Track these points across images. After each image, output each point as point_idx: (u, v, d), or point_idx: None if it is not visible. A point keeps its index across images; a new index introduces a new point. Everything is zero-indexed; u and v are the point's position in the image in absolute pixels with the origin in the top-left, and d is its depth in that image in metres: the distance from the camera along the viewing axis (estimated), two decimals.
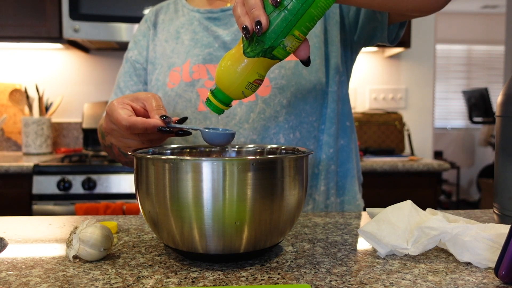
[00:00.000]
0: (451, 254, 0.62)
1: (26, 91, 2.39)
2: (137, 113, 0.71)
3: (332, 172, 0.96)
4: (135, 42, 1.08)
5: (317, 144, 0.95)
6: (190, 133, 0.70)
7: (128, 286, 0.51)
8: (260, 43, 0.59)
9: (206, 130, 0.67)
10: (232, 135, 0.68)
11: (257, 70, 0.61)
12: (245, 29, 0.57)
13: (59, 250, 0.64)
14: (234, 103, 0.68)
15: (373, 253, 0.63)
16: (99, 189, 1.89)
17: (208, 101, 0.65)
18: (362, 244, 0.67)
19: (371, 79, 2.76)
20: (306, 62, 0.63)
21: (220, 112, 0.66)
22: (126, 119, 0.68)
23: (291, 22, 0.57)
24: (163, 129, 0.68)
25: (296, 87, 0.91)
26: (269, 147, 0.73)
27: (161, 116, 0.68)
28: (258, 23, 0.56)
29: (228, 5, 0.99)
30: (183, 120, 0.72)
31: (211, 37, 0.97)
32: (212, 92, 0.65)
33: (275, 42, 0.58)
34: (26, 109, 2.42)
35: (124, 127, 0.68)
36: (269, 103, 0.91)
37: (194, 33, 0.99)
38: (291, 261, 0.59)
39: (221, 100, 0.64)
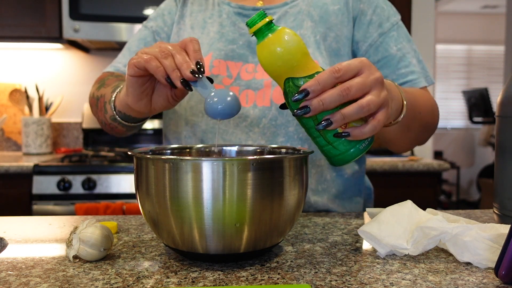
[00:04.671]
0: (451, 254, 0.62)
1: (26, 91, 2.39)
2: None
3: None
4: (159, 15, 1.04)
5: (328, 164, 0.94)
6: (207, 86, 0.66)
7: (128, 286, 0.51)
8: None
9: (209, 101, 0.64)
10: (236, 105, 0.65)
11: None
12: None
13: (59, 250, 0.64)
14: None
15: (373, 253, 0.63)
16: (99, 189, 1.89)
17: None
18: (362, 244, 0.67)
19: None
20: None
21: None
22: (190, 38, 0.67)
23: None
24: (194, 73, 0.63)
25: None
26: (269, 147, 0.73)
27: (197, 62, 0.64)
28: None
29: (260, 4, 0.98)
30: (211, 80, 0.67)
31: (237, 33, 0.96)
32: None
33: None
34: (26, 109, 2.42)
35: (187, 40, 0.67)
36: (282, 111, 0.89)
37: (221, 26, 0.97)
38: (291, 261, 0.59)
39: None
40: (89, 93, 0.99)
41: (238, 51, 0.94)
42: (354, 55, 0.96)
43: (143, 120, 0.86)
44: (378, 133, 0.88)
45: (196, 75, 0.63)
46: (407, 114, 0.74)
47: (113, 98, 0.82)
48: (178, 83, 0.64)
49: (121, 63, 1.01)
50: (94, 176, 1.89)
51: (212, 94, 0.64)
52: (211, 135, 0.93)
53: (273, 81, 0.90)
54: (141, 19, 2.16)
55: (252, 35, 0.59)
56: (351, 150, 0.60)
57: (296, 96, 0.56)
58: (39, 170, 1.89)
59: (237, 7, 0.98)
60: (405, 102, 0.72)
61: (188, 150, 0.75)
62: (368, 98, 0.58)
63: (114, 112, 0.82)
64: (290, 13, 0.95)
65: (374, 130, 0.59)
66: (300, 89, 0.56)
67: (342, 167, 0.95)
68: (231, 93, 0.65)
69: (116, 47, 2.47)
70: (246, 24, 0.59)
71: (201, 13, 1.01)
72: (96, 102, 0.91)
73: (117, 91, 0.82)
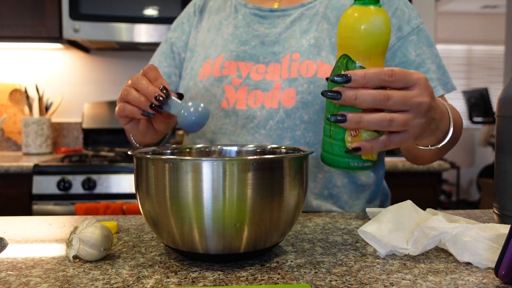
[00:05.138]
0: (451, 254, 0.62)
1: (26, 91, 2.39)
2: None
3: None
4: (178, 24, 1.07)
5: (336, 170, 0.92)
6: (171, 114, 0.70)
7: (128, 286, 0.51)
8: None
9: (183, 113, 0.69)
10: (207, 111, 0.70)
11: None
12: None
13: (59, 250, 0.64)
14: None
15: (373, 253, 0.63)
16: (99, 189, 1.89)
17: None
18: (362, 244, 0.67)
19: None
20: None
21: None
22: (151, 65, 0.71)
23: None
24: (159, 98, 0.67)
25: (321, 106, 0.88)
26: (269, 147, 0.73)
27: (161, 88, 0.68)
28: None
29: (276, 5, 0.98)
30: (181, 96, 0.72)
31: (251, 34, 0.96)
32: None
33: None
34: (26, 109, 2.42)
35: (147, 68, 0.70)
36: (290, 114, 0.88)
37: (235, 28, 0.98)
38: (291, 261, 0.59)
39: None
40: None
41: (249, 51, 0.94)
42: None
43: (164, 137, 0.90)
44: (411, 150, 0.88)
45: (162, 98, 0.67)
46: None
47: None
48: (150, 111, 0.69)
49: None
50: (94, 176, 1.89)
51: (182, 111, 0.69)
52: (220, 135, 0.93)
53: (283, 83, 0.89)
54: (141, 19, 2.16)
55: None
56: (343, 159, 0.58)
57: (337, 77, 0.52)
58: (39, 170, 1.89)
59: (254, 8, 0.98)
60: (451, 129, 0.68)
61: (188, 150, 0.75)
62: (397, 116, 0.55)
63: (135, 143, 0.83)
64: (306, 15, 0.95)
65: (382, 148, 0.57)
66: (345, 72, 0.52)
67: (358, 174, 0.92)
68: (201, 104, 0.70)
69: (116, 47, 2.47)
70: None
71: (218, 15, 1.02)
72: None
73: None
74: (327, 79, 0.58)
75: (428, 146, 0.69)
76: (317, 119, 0.88)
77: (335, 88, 0.53)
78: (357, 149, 0.55)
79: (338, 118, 0.54)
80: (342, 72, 0.52)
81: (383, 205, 1.04)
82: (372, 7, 0.53)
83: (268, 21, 0.96)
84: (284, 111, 0.88)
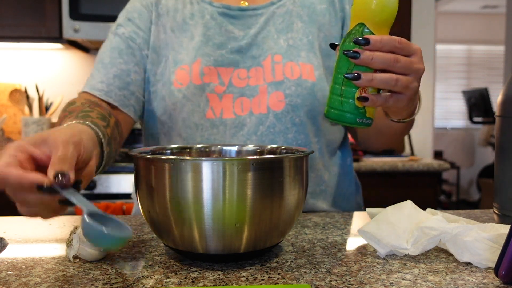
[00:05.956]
0: (451, 254, 0.62)
1: (26, 91, 2.39)
2: (38, 162, 0.53)
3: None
4: (128, 19, 0.95)
5: (324, 165, 0.94)
6: (73, 204, 0.51)
7: (128, 286, 0.51)
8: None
9: (88, 221, 0.49)
10: (122, 240, 0.51)
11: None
12: None
13: (59, 250, 0.64)
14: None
15: (373, 253, 0.63)
16: (99, 189, 1.89)
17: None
18: (362, 244, 0.67)
19: None
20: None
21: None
22: None
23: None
24: (44, 187, 0.49)
25: (310, 107, 0.89)
26: (269, 147, 0.73)
27: (57, 173, 0.50)
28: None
29: (246, 4, 0.94)
30: (77, 183, 0.53)
31: (225, 36, 0.91)
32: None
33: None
34: (26, 109, 2.42)
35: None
36: (280, 118, 0.88)
37: (206, 29, 0.92)
38: (291, 261, 0.59)
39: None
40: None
41: (227, 56, 0.90)
42: None
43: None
44: (382, 122, 0.88)
45: (45, 188, 0.50)
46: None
47: None
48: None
49: (95, 79, 0.89)
50: (94, 176, 1.89)
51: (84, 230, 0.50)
52: None
53: (268, 87, 0.88)
54: None
55: None
56: (349, 114, 0.63)
57: (359, 39, 0.60)
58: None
59: (222, 7, 0.92)
60: (418, 107, 0.76)
61: (188, 150, 0.75)
62: (402, 77, 0.62)
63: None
64: (278, 14, 0.93)
65: (383, 103, 0.63)
66: (366, 36, 0.60)
67: (329, 165, 0.95)
68: (105, 232, 0.49)
69: None
70: None
71: (178, 12, 0.94)
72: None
73: None
74: (331, 45, 0.68)
75: (400, 120, 0.77)
76: (307, 121, 0.89)
77: (355, 49, 0.61)
78: (365, 98, 0.62)
79: (355, 75, 0.61)
80: (360, 37, 0.61)
81: (357, 194, 1.05)
82: None
83: (240, 21, 0.92)
84: (274, 115, 0.88)
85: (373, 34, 0.61)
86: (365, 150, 2.43)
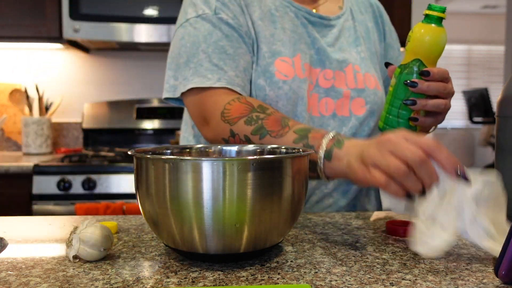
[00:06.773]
0: (451, 254, 0.62)
1: (26, 91, 2.39)
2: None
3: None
4: (223, 4, 0.88)
5: None
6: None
7: (128, 286, 0.51)
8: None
9: None
10: None
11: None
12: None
13: (59, 250, 0.64)
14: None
15: (373, 253, 0.63)
16: (99, 189, 1.89)
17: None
18: (362, 244, 0.67)
19: None
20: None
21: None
22: None
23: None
24: (459, 173, 0.57)
25: (379, 115, 0.96)
26: (269, 147, 0.73)
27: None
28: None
29: (314, 11, 0.95)
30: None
31: (312, 36, 0.93)
32: None
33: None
34: (26, 109, 2.42)
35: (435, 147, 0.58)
36: (362, 121, 0.95)
37: (294, 26, 0.92)
38: (291, 261, 0.59)
39: None
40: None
41: (315, 56, 0.93)
42: None
43: None
44: None
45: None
46: None
47: (321, 163, 0.69)
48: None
49: (228, 73, 0.84)
50: (94, 176, 1.89)
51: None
52: None
53: (352, 92, 0.94)
54: (141, 19, 2.16)
55: (426, 16, 0.76)
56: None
57: (424, 71, 0.73)
58: (39, 170, 1.89)
59: (303, 10, 0.94)
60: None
61: (188, 150, 0.75)
62: (447, 101, 0.75)
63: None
64: (346, 28, 0.98)
65: (431, 124, 0.77)
66: (428, 69, 0.73)
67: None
68: None
69: (116, 47, 2.47)
70: (430, 6, 0.76)
71: (262, 3, 0.92)
72: (233, 139, 0.80)
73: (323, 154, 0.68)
74: (386, 64, 0.80)
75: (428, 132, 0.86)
76: (377, 126, 0.95)
77: (414, 79, 0.73)
78: (416, 119, 0.74)
79: (411, 101, 0.73)
80: (416, 70, 0.74)
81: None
82: (442, 27, 0.75)
83: (318, 28, 0.95)
84: (356, 119, 0.94)
85: (426, 66, 0.73)
86: None
